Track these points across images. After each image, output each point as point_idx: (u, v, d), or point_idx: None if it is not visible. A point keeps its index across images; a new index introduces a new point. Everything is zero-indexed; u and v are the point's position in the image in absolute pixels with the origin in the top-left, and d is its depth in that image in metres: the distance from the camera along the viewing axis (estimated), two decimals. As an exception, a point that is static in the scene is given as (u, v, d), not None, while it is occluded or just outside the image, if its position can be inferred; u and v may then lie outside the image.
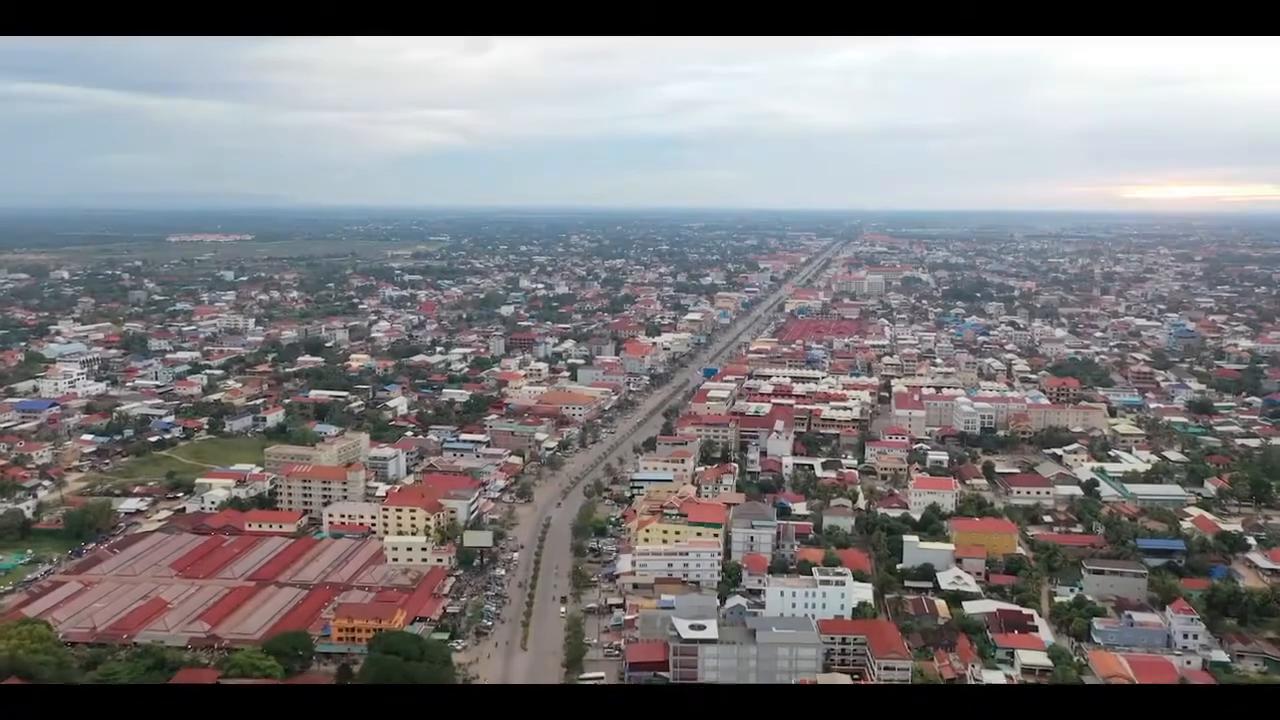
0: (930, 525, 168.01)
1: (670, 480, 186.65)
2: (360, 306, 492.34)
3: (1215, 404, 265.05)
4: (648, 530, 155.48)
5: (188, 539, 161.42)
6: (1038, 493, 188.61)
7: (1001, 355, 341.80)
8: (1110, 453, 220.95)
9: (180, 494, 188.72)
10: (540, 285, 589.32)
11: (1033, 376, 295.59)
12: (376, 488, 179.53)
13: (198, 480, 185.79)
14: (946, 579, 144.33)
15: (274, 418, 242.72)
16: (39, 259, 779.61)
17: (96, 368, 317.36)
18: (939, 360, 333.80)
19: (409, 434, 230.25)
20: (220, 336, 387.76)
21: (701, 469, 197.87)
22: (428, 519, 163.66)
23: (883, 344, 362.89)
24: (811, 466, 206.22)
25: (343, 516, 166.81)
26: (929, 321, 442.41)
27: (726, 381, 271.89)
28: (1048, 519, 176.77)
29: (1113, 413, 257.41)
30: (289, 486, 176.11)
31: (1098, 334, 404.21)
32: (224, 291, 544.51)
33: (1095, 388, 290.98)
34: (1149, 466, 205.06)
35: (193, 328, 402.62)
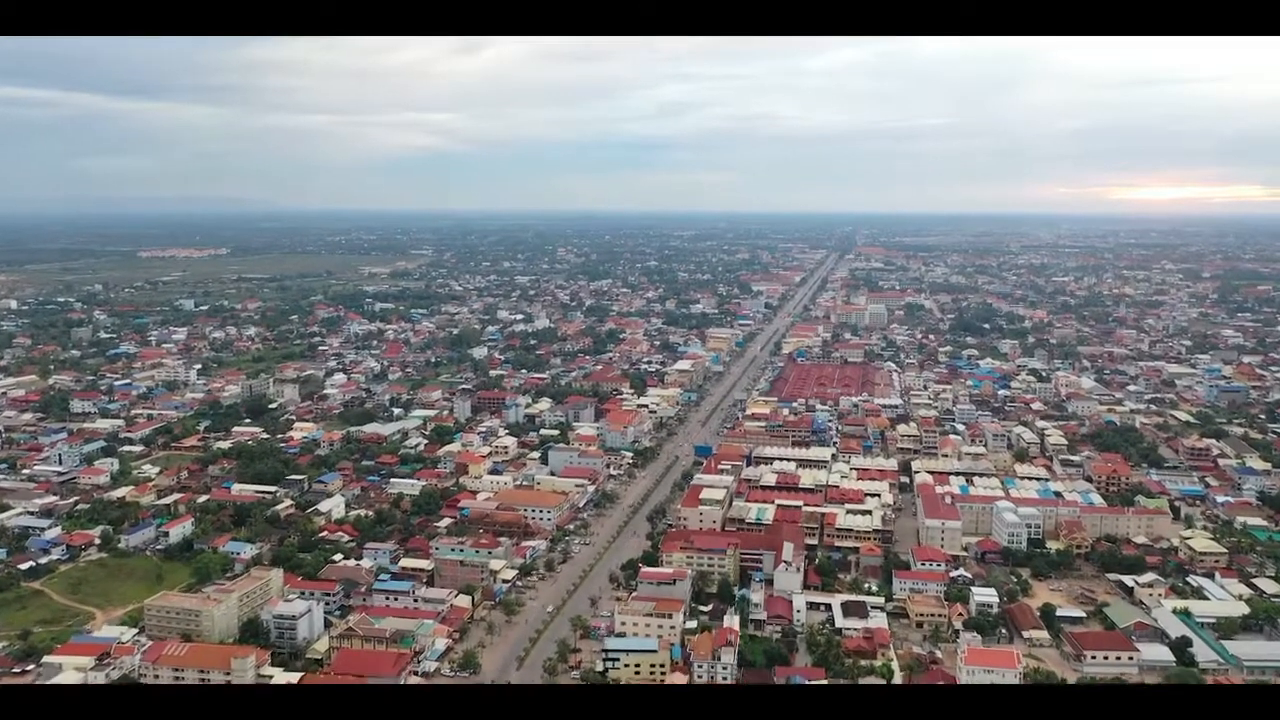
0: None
1: (654, 650, 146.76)
2: (321, 347, 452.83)
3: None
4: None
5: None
6: (1118, 659, 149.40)
7: (1030, 421, 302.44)
8: (1189, 580, 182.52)
9: (30, 666, 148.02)
10: (519, 316, 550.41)
11: (1074, 459, 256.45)
12: (271, 676, 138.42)
13: (45, 659, 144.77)
14: None
15: (180, 530, 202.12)
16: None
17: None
18: (960, 426, 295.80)
19: (338, 557, 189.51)
20: (155, 393, 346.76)
21: (693, 625, 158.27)
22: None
23: (894, 404, 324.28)
24: (829, 608, 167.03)
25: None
26: (940, 367, 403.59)
27: (722, 474, 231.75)
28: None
29: (1175, 511, 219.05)
30: (157, 675, 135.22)
31: (1129, 385, 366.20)
32: (178, 327, 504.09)
33: (1145, 467, 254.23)
34: (1245, 608, 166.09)
35: (127, 382, 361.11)
